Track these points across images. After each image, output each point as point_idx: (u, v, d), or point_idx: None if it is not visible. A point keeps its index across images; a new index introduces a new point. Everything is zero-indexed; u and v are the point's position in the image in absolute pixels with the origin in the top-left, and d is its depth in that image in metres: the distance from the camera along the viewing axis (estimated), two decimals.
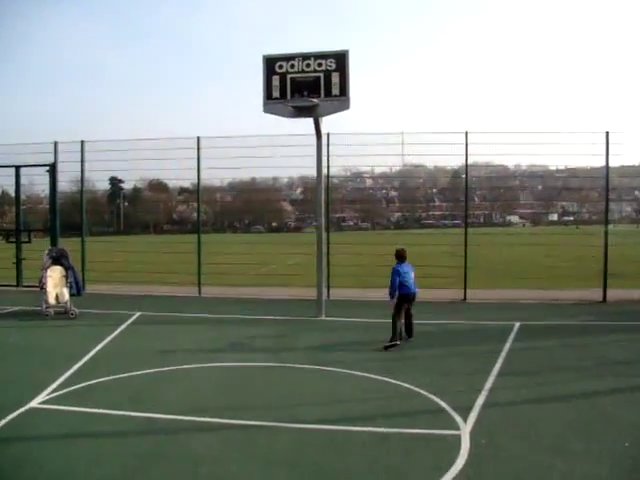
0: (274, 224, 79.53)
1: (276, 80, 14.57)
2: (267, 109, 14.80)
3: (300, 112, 14.59)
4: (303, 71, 14.48)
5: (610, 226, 18.08)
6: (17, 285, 19.84)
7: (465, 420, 7.43)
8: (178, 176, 23.36)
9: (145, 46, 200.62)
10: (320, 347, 11.95)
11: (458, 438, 6.86)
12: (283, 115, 14.73)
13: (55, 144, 19.57)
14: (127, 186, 67.98)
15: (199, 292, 18.86)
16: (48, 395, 8.62)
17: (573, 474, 5.99)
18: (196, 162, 18.94)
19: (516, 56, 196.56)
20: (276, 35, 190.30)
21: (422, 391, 8.66)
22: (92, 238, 24.44)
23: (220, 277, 19.50)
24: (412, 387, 8.86)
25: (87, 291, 18.41)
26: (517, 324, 13.44)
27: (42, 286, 15.28)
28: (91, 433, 7.29)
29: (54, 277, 15.37)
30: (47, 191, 20.79)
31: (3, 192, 29.83)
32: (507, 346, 11.52)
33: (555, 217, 71.79)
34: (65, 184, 22.20)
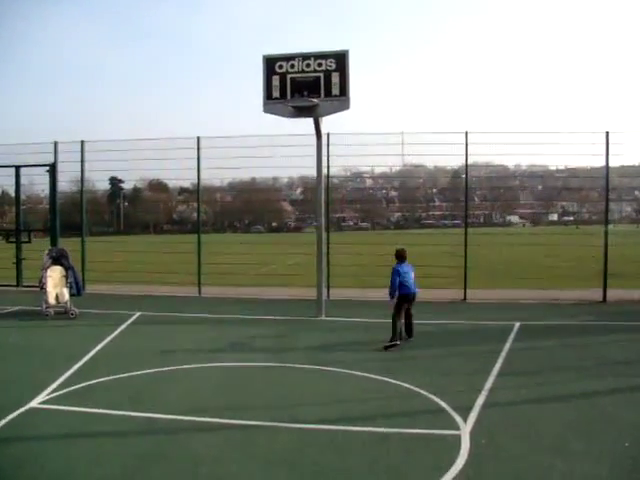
0: (274, 224, 79.53)
1: (276, 80, 14.56)
2: (267, 109, 14.80)
3: (300, 112, 14.58)
4: (303, 71, 14.48)
5: (610, 226, 18.08)
6: (17, 285, 19.83)
7: (465, 420, 7.43)
8: (178, 176, 23.37)
9: (145, 46, 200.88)
10: (320, 347, 11.95)
11: (458, 438, 6.86)
12: (283, 115, 14.73)
13: (55, 144, 19.57)
14: (127, 186, 67.99)
15: (199, 292, 18.86)
16: (48, 395, 8.63)
17: (573, 474, 5.99)
18: (196, 162, 18.94)
19: (516, 56, 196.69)
20: (276, 35, 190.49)
21: (422, 391, 8.66)
22: (92, 238, 24.43)
23: (220, 277, 19.49)
24: (412, 387, 8.86)
25: (87, 291, 18.40)
26: (517, 324, 13.44)
27: (42, 286, 15.28)
28: (91, 433, 7.30)
29: (54, 277, 15.37)
30: (47, 191, 20.81)
31: (3, 192, 29.83)
32: (507, 346, 11.52)
33: (555, 217, 71.79)
34: (65, 184, 22.22)
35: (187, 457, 6.50)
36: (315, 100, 14.21)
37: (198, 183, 19.71)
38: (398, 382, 9.14)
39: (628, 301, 16.77)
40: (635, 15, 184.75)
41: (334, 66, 14.36)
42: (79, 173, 19.91)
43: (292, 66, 14.52)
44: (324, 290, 15.67)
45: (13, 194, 21.51)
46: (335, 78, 14.32)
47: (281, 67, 14.57)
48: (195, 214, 21.83)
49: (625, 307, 16.16)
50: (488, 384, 9.00)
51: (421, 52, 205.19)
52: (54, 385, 9.05)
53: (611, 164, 17.41)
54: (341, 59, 14.40)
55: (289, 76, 14.52)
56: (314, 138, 15.21)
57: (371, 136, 18.19)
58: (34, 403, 8.26)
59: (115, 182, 60.24)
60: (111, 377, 9.51)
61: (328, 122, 15.14)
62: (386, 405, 8.26)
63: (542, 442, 6.78)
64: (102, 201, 63.57)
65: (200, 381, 9.56)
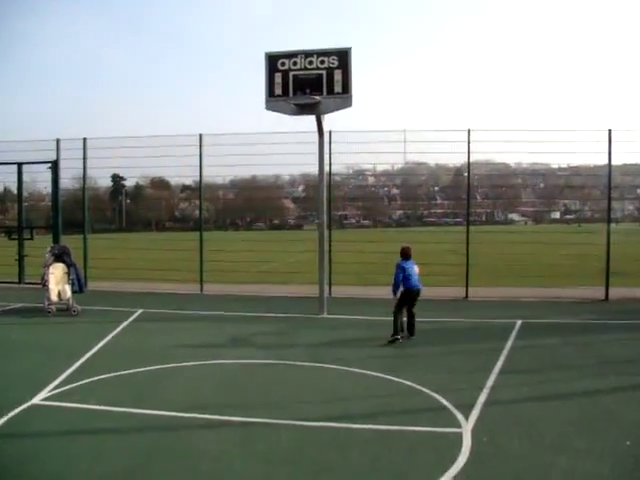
0: (276, 221, 79.59)
1: (278, 77, 14.54)
2: (269, 106, 14.78)
3: (302, 109, 14.57)
4: (305, 68, 14.45)
5: (612, 224, 18.05)
6: (19, 282, 19.83)
7: (467, 418, 7.43)
8: (180, 173, 23.44)
9: (145, 43, 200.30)
10: (322, 345, 11.95)
11: (460, 436, 6.86)
12: (285, 112, 14.71)
13: (57, 141, 19.58)
14: (129, 183, 68.04)
15: (201, 289, 18.87)
16: (50, 392, 8.63)
17: (575, 472, 5.99)
18: (198, 159, 18.95)
19: (519, 54, 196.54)
20: (278, 33, 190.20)
21: (424, 389, 8.65)
22: (94, 235, 24.42)
23: (222, 274, 19.50)
24: (414, 385, 8.86)
25: (89, 288, 18.39)
26: (519, 322, 13.44)
27: (44, 283, 15.29)
28: (93, 430, 7.31)
29: (56, 274, 15.38)
30: (49, 188, 20.79)
31: (5, 189, 29.88)
32: (509, 344, 11.51)
33: (557, 215, 71.77)
34: (67, 181, 22.23)
35: (188, 454, 6.50)
36: (317, 97, 14.19)
37: (200, 180, 19.72)
38: (400, 380, 9.14)
39: (630, 299, 16.76)
40: (637, 13, 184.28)
41: (336, 63, 14.33)
42: (81, 170, 19.95)
43: (294, 63, 14.50)
44: (326, 288, 15.66)
45: (15, 191, 21.53)
46: (337, 75, 14.29)
47: (283, 64, 14.54)
48: (197, 211, 21.85)
49: (627, 305, 16.14)
50: (490, 382, 9.00)
51: (424, 50, 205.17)
52: (56, 382, 9.05)
53: (614, 162, 17.39)
54: (344, 56, 14.37)
55: (291, 73, 14.49)
56: (316, 135, 15.20)
57: (373, 134, 18.26)
58: (36, 400, 8.27)
59: (117, 179, 60.26)
60: (113, 374, 9.51)
61: (330, 119, 15.15)
62: (388, 403, 8.26)
63: (544, 440, 6.77)
64: (104, 198, 63.59)
65: (202, 378, 9.57)
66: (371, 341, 12.01)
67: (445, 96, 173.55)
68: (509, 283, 18.40)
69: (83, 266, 18.73)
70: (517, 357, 10.58)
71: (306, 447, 6.76)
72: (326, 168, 16.10)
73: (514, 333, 12.48)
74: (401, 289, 11.96)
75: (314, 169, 15.78)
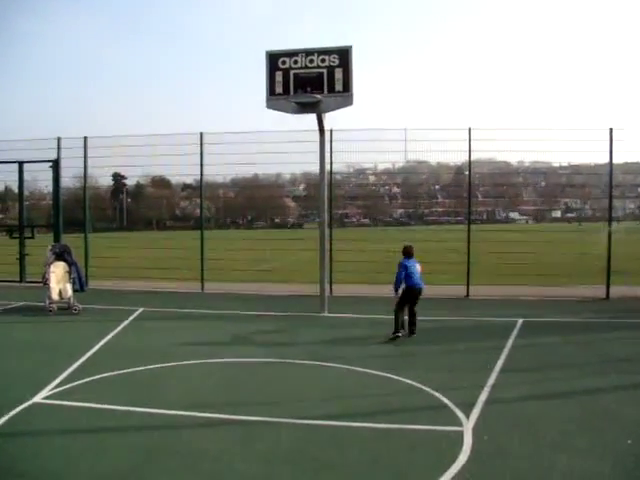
0: (277, 220, 79.53)
1: (279, 76, 14.53)
2: (270, 105, 14.78)
3: (303, 108, 14.56)
4: (306, 67, 14.45)
5: (614, 223, 18.04)
6: (20, 281, 19.86)
7: (467, 416, 7.43)
8: (181, 172, 23.36)
9: (146, 43, 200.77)
10: (322, 343, 11.96)
11: (460, 434, 6.86)
12: (286, 111, 14.70)
13: (58, 140, 19.59)
14: (130, 182, 67.96)
15: (202, 288, 18.88)
16: (51, 390, 8.64)
17: (575, 471, 5.99)
18: (199, 158, 18.94)
19: (520, 53, 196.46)
20: (278, 31, 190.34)
21: (424, 387, 8.66)
22: (95, 234, 24.41)
23: (223, 273, 19.49)
24: (414, 383, 8.86)
25: (90, 287, 18.45)
26: (520, 320, 13.44)
27: (45, 282, 15.31)
28: (94, 429, 7.31)
29: (57, 273, 15.39)
30: (50, 187, 20.80)
31: (6, 188, 29.84)
32: (510, 342, 11.51)
33: (558, 214, 71.65)
34: (68, 180, 22.24)
35: (189, 453, 6.50)
36: (318, 96, 14.18)
37: (201, 179, 19.74)
38: (400, 378, 9.14)
39: (631, 298, 16.75)
40: (638, 11, 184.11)
41: (337, 62, 14.32)
42: (82, 169, 19.98)
43: (295, 62, 14.49)
44: (327, 286, 15.65)
45: (16, 190, 21.54)
46: (338, 74, 14.29)
47: (284, 63, 14.53)
48: (198, 210, 21.85)
49: (628, 304, 16.14)
50: (491, 380, 9.00)
51: (425, 48, 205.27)
52: (57, 380, 9.06)
53: (615, 161, 17.41)
54: (344, 55, 14.36)
55: (292, 72, 14.48)
56: (317, 134, 15.20)
57: (374, 132, 18.15)
58: (37, 398, 8.28)
59: (118, 178, 60.20)
60: (114, 373, 9.52)
61: (331, 118, 15.14)
62: (388, 401, 8.26)
63: (544, 439, 6.77)
64: (105, 197, 63.54)
65: (202, 377, 9.57)
66: (372, 339, 12.03)
67: (446, 95, 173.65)
68: (510, 282, 18.37)
69: (84, 265, 18.75)
70: (518, 356, 10.58)
71: (306, 445, 6.76)
72: (327, 167, 16.09)
73: (515, 332, 12.48)
74: (403, 287, 12.03)
75: (315, 168, 15.80)
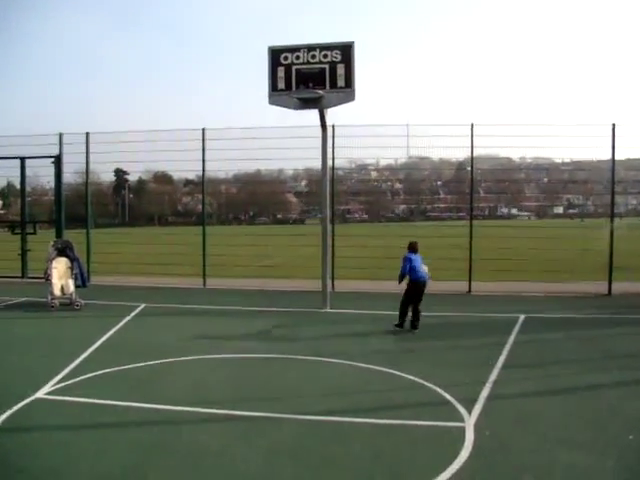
0: (279, 216, 79.53)
1: (281, 71, 14.51)
2: (272, 101, 14.76)
3: (305, 104, 14.54)
4: (308, 62, 14.42)
5: (616, 219, 18.03)
6: (22, 276, 19.89)
7: (470, 412, 7.43)
8: (183, 168, 23.37)
9: (147, 38, 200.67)
10: (325, 339, 11.96)
11: (462, 430, 6.86)
12: (288, 107, 14.68)
13: (60, 136, 19.59)
14: (132, 178, 68.00)
15: (204, 284, 18.89)
16: (54, 386, 8.65)
17: (577, 466, 5.99)
18: (201, 154, 18.94)
19: (522, 48, 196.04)
20: (280, 26, 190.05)
21: (427, 383, 8.66)
22: (97, 230, 24.44)
23: (225, 269, 19.51)
24: (416, 379, 8.86)
25: (92, 282, 18.49)
26: (522, 316, 13.43)
27: (47, 277, 15.33)
28: (96, 424, 7.32)
29: (59, 269, 15.41)
30: (52, 183, 20.84)
31: (8, 184, 29.87)
32: (512, 338, 11.51)
33: (560, 210, 71.57)
34: (70, 176, 22.27)
35: (191, 448, 6.50)
36: (320, 92, 14.16)
37: (203, 175, 19.75)
38: (402, 374, 9.14)
39: (633, 294, 16.74)
40: None
41: (339, 58, 14.30)
42: (84, 165, 19.97)
43: (297, 57, 14.46)
44: (329, 282, 15.65)
45: (18, 186, 21.56)
46: (340, 70, 14.26)
47: (286, 58, 14.51)
48: (200, 206, 21.87)
49: (630, 300, 16.13)
50: (493, 376, 9.00)
51: (427, 44, 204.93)
52: (60, 376, 9.08)
53: (617, 157, 17.37)
54: (347, 50, 14.34)
55: (294, 67, 14.46)
56: (319, 130, 15.18)
57: (376, 128, 18.15)
58: (40, 394, 8.29)
59: (120, 174, 60.23)
60: (116, 368, 9.53)
61: (333, 114, 15.12)
62: (390, 397, 8.26)
63: (546, 434, 6.77)
64: (107, 193, 63.60)
65: (204, 372, 9.58)
66: (374, 335, 12.05)
67: (448, 90, 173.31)
68: (512, 278, 18.38)
69: (86, 260, 18.79)
70: (520, 352, 10.58)
71: (308, 441, 6.77)
72: (329, 162, 16.08)
73: (517, 328, 12.48)
74: (406, 280, 12.32)
75: (317, 163, 15.80)
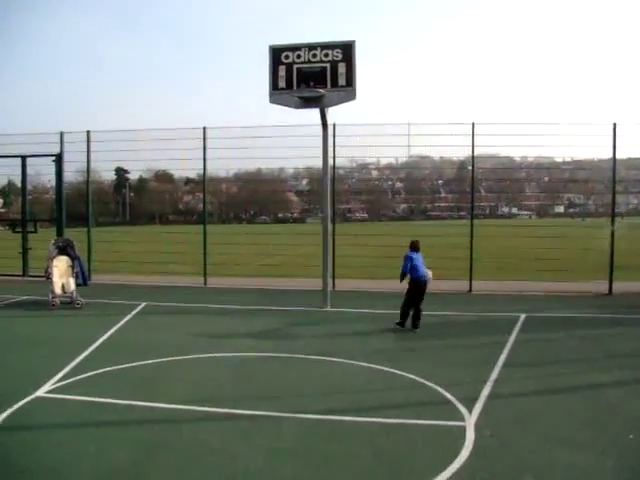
0: (280, 215, 79.58)
1: (282, 70, 14.51)
2: (273, 99, 14.76)
3: (306, 102, 14.54)
4: (309, 61, 14.43)
5: (617, 219, 18.03)
6: (23, 275, 19.90)
7: (470, 411, 7.43)
8: (184, 167, 23.38)
9: (148, 37, 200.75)
10: (325, 338, 11.97)
11: (463, 429, 6.86)
12: (289, 105, 14.68)
13: (61, 134, 19.59)
14: (133, 176, 68.09)
15: (205, 282, 18.89)
16: (54, 384, 8.65)
17: (577, 466, 5.99)
18: (202, 153, 18.93)
19: (524, 47, 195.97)
20: (282, 25, 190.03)
21: (427, 382, 8.65)
22: (98, 228, 24.47)
23: (226, 268, 19.51)
24: (417, 378, 8.86)
25: (93, 281, 18.50)
26: (523, 316, 13.43)
27: (48, 276, 15.33)
28: (97, 422, 7.32)
29: (60, 267, 15.41)
30: (53, 181, 20.85)
31: (9, 182, 29.91)
32: (512, 337, 11.51)
33: (561, 209, 71.63)
34: (71, 174, 22.29)
35: (193, 447, 6.50)
36: (321, 90, 14.16)
37: (204, 174, 19.75)
38: (403, 373, 9.14)
39: (634, 294, 16.75)
40: None
41: (340, 56, 14.31)
42: (85, 163, 19.98)
43: (298, 56, 14.47)
44: (330, 281, 15.65)
45: (19, 184, 21.56)
46: (341, 68, 14.27)
47: (287, 57, 14.51)
48: (201, 205, 21.86)
49: (631, 299, 16.13)
50: (493, 375, 9.00)
51: (428, 42, 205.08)
52: (60, 374, 9.08)
53: (618, 156, 17.37)
54: (348, 49, 14.34)
55: (295, 66, 14.47)
56: (320, 129, 15.18)
57: (377, 127, 18.20)
58: (40, 392, 8.29)
59: (121, 172, 60.35)
60: (117, 367, 9.53)
61: (334, 113, 15.12)
62: (391, 396, 8.26)
63: (547, 434, 6.77)
64: (108, 191, 63.69)
65: (205, 371, 9.58)
66: (375, 334, 12.05)
67: (449, 90, 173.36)
68: (513, 277, 18.39)
69: (87, 259, 18.81)
70: (521, 351, 10.58)
71: (309, 440, 6.77)
72: (330, 161, 16.08)
73: (518, 327, 12.48)
74: (408, 279, 12.33)
75: (318, 162, 15.79)
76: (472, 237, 17.81)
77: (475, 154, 17.96)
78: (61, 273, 15.36)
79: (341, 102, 14.51)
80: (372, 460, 6.20)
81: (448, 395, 8.08)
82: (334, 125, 16.95)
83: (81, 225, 20.79)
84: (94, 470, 6.00)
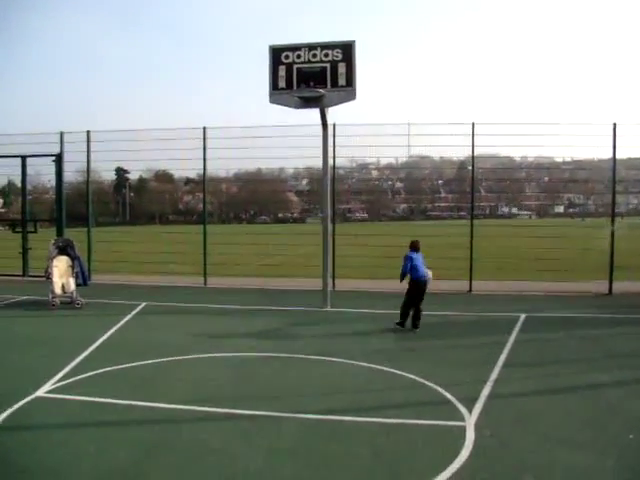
0: (280, 215, 79.59)
1: (282, 70, 14.51)
2: (273, 99, 14.76)
3: (306, 102, 14.54)
4: (309, 61, 14.42)
5: (617, 219, 18.03)
6: (23, 275, 19.90)
7: (470, 411, 7.43)
8: (184, 167, 23.36)
9: (148, 37, 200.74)
10: (325, 338, 11.97)
11: (463, 429, 6.86)
12: (289, 105, 14.68)
13: (61, 134, 19.59)
14: (133, 176, 68.11)
15: (205, 282, 18.89)
16: (54, 384, 8.65)
17: (577, 466, 5.99)
18: (202, 153, 18.93)
19: (524, 47, 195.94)
20: (281, 25, 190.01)
21: (427, 382, 8.65)
22: (98, 228, 24.47)
23: (226, 268, 19.51)
24: (417, 378, 8.86)
25: (93, 281, 18.50)
26: (523, 316, 13.43)
27: (48, 276, 15.33)
28: (97, 422, 7.32)
29: (60, 267, 15.41)
30: (53, 181, 20.85)
31: (9, 182, 29.91)
32: (512, 337, 11.51)
33: (561, 209, 71.65)
34: (71, 174, 22.28)
35: (193, 447, 6.50)
36: (321, 90, 14.16)
37: (204, 174, 19.75)
38: (403, 373, 9.14)
39: (634, 293, 16.74)
40: None
41: (340, 56, 14.30)
42: (85, 163, 19.98)
43: (298, 56, 14.46)
44: (330, 281, 15.64)
45: (19, 184, 21.56)
46: (341, 68, 14.26)
47: (287, 57, 14.51)
48: (201, 205, 21.86)
49: (631, 299, 16.13)
50: (493, 375, 9.00)
51: (427, 43, 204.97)
52: (60, 374, 9.08)
53: (618, 156, 17.37)
54: (348, 49, 14.34)
55: (295, 66, 14.46)
56: (320, 129, 15.18)
57: (377, 127, 18.20)
58: (40, 392, 8.29)
59: (121, 172, 60.37)
60: (117, 367, 9.53)
61: (334, 113, 15.11)
62: (391, 396, 8.26)
63: (547, 433, 6.77)
64: (108, 191, 63.70)
65: (206, 371, 9.58)
66: (375, 334, 12.05)
67: (449, 90, 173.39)
68: (513, 277, 18.39)
69: (87, 259, 18.81)
70: (521, 351, 10.58)
71: (309, 440, 6.76)
72: (330, 161, 16.08)
73: (518, 327, 12.48)
74: (408, 279, 12.33)
75: (318, 162, 15.79)
76: (472, 237, 17.80)
77: (475, 154, 17.97)
78: (61, 273, 15.36)
79: (341, 102, 14.50)
80: (372, 460, 6.20)
81: (448, 395, 8.08)
82: (334, 125, 16.96)
83: (81, 225, 20.79)
84: (94, 470, 6.00)
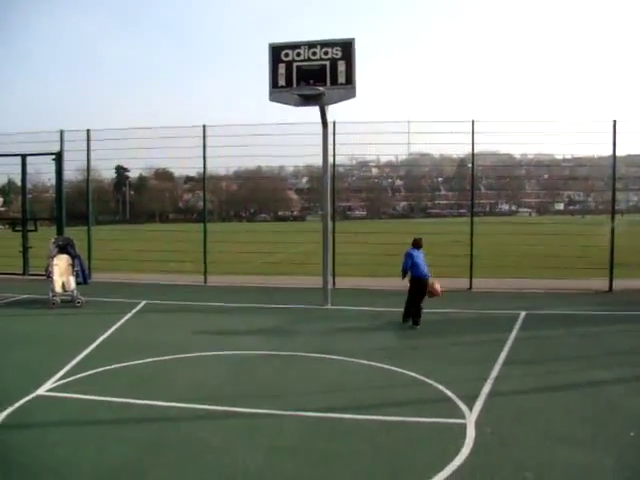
0: (280, 213, 79.59)
1: (282, 68, 14.49)
2: (273, 97, 14.74)
3: (306, 100, 14.53)
4: (309, 59, 14.40)
5: (617, 216, 18.03)
6: (23, 273, 19.89)
7: (471, 409, 7.43)
8: (184, 165, 23.33)
9: (148, 35, 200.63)
10: (326, 335, 11.97)
11: (464, 427, 6.86)
12: (289, 103, 14.66)
13: (61, 133, 19.57)
14: (133, 175, 68.11)
15: (205, 281, 18.87)
16: (55, 383, 8.65)
17: (578, 463, 5.99)
18: (202, 151, 18.91)
19: (524, 45, 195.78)
20: (281, 23, 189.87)
21: (428, 380, 8.65)
22: (98, 227, 24.45)
23: (226, 266, 19.50)
24: (418, 376, 8.86)
25: (93, 279, 18.49)
26: (523, 313, 13.43)
27: (48, 274, 15.32)
28: (97, 421, 7.32)
29: (60, 265, 15.40)
30: (53, 180, 20.84)
31: (9, 181, 29.90)
32: (513, 335, 11.51)
33: (561, 206, 71.68)
34: (71, 173, 22.27)
35: (193, 445, 6.51)
36: (321, 88, 14.15)
37: (204, 172, 19.73)
38: (404, 371, 9.14)
39: (634, 291, 16.74)
40: None
41: (340, 54, 14.28)
42: (85, 162, 19.96)
43: (298, 54, 14.44)
44: (330, 279, 15.64)
45: (19, 183, 21.55)
46: (341, 66, 14.24)
47: (287, 55, 14.49)
48: (201, 203, 21.84)
49: (631, 297, 16.13)
50: (494, 373, 9.00)
51: (427, 42, 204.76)
52: (61, 373, 9.08)
53: (618, 153, 17.36)
54: (347, 47, 14.31)
55: (295, 64, 14.44)
56: (320, 127, 15.17)
57: (377, 125, 18.13)
58: (41, 391, 8.29)
59: (121, 171, 60.38)
60: (117, 365, 9.53)
61: (334, 110, 15.11)
62: (391, 394, 8.26)
63: (547, 431, 6.77)
64: (108, 190, 63.69)
65: (206, 369, 9.58)
66: (375, 332, 12.06)
67: (449, 87, 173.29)
68: (513, 274, 18.38)
69: (87, 257, 18.80)
70: (521, 348, 10.58)
71: (309, 438, 6.76)
72: (330, 159, 16.07)
73: (518, 324, 12.48)
74: (409, 277, 12.40)
75: (318, 160, 15.79)
76: (472, 235, 17.79)
77: (475, 151, 17.95)
78: (61, 271, 15.36)
79: (341, 100, 14.49)
80: (372, 458, 6.20)
81: (448, 392, 8.08)
82: (334, 123, 16.94)
83: (81, 223, 20.78)
84: (94, 468, 6.00)
